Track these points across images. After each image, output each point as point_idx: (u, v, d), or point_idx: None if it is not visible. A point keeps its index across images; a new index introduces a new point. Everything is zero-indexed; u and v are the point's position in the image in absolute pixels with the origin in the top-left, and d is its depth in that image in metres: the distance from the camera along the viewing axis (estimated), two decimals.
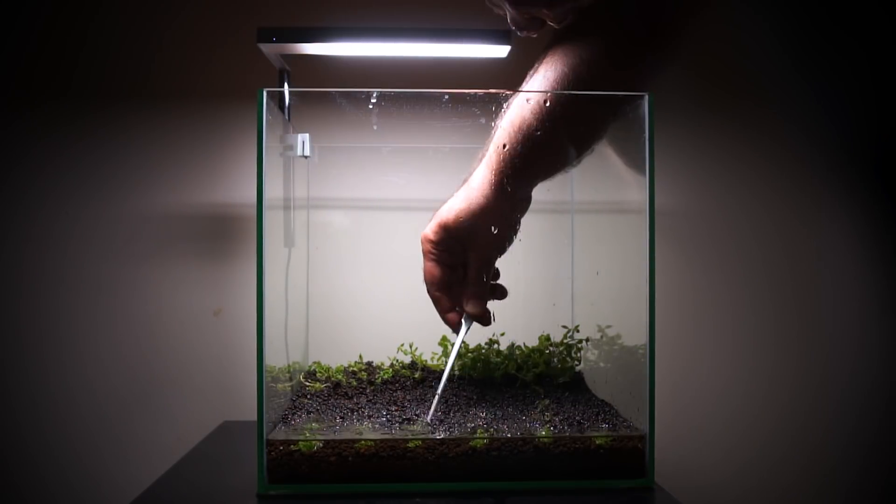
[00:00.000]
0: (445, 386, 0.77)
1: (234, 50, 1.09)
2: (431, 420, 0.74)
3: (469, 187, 0.74)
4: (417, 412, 0.76)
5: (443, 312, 0.77)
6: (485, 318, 0.77)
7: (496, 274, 0.81)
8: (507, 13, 0.66)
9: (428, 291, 0.77)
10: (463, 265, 0.76)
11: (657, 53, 0.75)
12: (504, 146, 0.71)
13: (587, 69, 0.70)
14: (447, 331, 0.93)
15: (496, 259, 0.78)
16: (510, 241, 0.77)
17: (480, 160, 0.74)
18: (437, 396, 0.76)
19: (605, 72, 0.71)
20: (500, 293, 0.82)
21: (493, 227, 0.74)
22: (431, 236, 0.74)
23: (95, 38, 1.10)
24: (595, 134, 0.75)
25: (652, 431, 0.71)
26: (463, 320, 0.77)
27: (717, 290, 1.14)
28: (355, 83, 0.95)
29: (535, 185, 0.76)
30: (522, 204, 0.77)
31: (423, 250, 0.76)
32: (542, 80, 0.72)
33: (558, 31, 0.73)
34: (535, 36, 0.68)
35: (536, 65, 0.74)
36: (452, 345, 0.80)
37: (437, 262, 0.75)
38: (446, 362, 0.79)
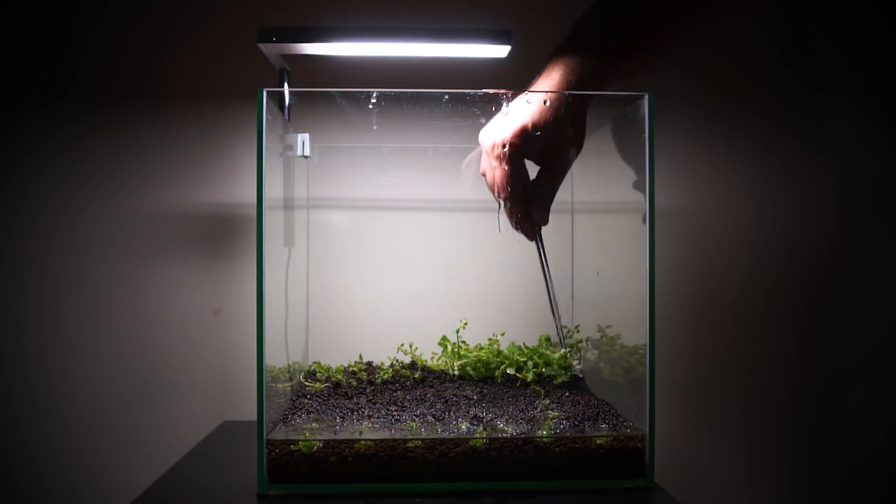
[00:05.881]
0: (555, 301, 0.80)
1: (234, 50, 1.09)
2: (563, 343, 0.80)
3: (546, 102, 0.74)
4: (417, 412, 0.76)
5: (522, 219, 0.77)
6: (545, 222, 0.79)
7: None
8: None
9: (507, 198, 0.76)
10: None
11: (652, 51, 0.79)
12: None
13: (589, 71, 0.75)
14: (447, 330, 0.93)
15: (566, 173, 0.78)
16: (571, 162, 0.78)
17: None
18: (556, 319, 0.80)
19: (604, 73, 0.75)
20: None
21: (572, 135, 0.75)
22: (513, 139, 0.73)
23: (96, 39, 1.10)
24: None
25: (652, 431, 0.71)
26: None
27: (716, 290, 1.14)
28: (355, 83, 0.95)
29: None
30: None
31: (496, 156, 0.74)
32: (548, 82, 0.75)
33: (560, 43, 0.78)
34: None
35: (542, 73, 0.77)
36: (454, 343, 0.80)
37: (515, 166, 0.74)
38: (544, 272, 0.82)
